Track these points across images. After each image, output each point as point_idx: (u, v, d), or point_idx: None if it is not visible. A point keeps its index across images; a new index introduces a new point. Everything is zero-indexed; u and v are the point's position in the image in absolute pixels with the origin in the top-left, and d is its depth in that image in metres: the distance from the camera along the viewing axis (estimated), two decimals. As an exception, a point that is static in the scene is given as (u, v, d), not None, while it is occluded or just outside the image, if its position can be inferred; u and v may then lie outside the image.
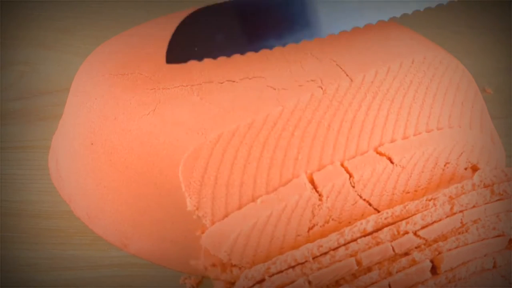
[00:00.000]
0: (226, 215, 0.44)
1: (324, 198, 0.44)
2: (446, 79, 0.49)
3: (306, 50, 0.49)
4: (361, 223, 0.44)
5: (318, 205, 0.44)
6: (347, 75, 0.47)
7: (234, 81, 0.47)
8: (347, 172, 0.45)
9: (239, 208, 0.44)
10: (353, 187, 0.45)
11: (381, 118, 0.47)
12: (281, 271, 0.42)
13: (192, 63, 0.47)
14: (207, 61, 0.47)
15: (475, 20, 0.61)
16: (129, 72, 0.48)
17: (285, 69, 0.48)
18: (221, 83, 0.47)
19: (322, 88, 0.46)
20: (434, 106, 0.48)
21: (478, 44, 0.54)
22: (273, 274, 0.42)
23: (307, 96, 0.46)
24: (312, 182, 0.45)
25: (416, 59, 0.49)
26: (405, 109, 0.47)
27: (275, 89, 0.47)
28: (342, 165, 0.45)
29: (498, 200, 0.45)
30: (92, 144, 0.47)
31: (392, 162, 0.46)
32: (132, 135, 0.46)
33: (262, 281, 0.42)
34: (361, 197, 0.45)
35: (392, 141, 0.47)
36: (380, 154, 0.46)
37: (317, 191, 0.45)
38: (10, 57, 0.61)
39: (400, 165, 0.46)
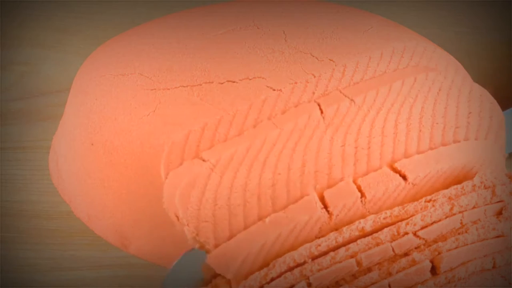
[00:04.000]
0: (230, 237, 0.43)
1: (333, 217, 0.44)
2: (454, 92, 0.48)
3: (306, 51, 0.49)
4: (359, 222, 0.44)
5: (327, 223, 0.44)
6: (345, 96, 0.46)
7: (234, 82, 0.47)
8: (360, 190, 0.44)
9: (245, 228, 0.43)
10: (364, 205, 0.45)
11: (389, 128, 0.46)
12: (280, 275, 0.42)
13: (193, 64, 0.47)
14: (206, 60, 0.47)
15: (475, 20, 0.61)
16: (130, 72, 0.48)
17: (285, 70, 0.48)
18: (221, 83, 0.47)
19: (321, 109, 0.45)
20: (447, 116, 0.47)
21: (478, 45, 0.54)
22: (272, 279, 0.42)
23: (305, 117, 0.45)
24: (322, 200, 0.44)
25: (418, 78, 0.47)
26: (415, 120, 0.46)
27: (274, 90, 0.47)
28: (354, 182, 0.45)
29: (499, 202, 0.45)
30: (92, 144, 0.47)
31: (405, 179, 0.45)
32: (133, 136, 0.46)
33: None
34: (369, 212, 0.45)
35: (407, 155, 0.46)
36: (395, 170, 0.45)
37: (327, 211, 0.44)
38: (10, 57, 0.61)
39: (413, 183, 0.45)
